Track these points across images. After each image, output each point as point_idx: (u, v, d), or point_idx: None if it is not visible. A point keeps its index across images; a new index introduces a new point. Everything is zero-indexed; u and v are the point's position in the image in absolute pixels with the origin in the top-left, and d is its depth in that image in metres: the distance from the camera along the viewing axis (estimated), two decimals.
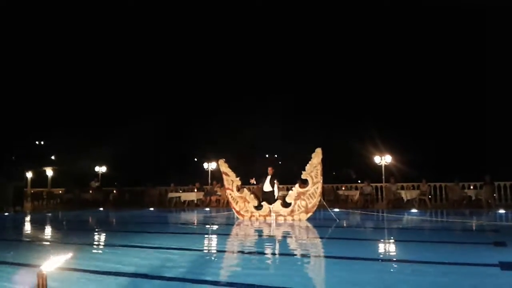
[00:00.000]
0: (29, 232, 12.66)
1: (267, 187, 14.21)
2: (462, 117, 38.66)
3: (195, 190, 22.04)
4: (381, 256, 7.40)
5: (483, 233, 10.57)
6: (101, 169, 26.96)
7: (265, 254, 7.76)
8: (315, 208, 13.27)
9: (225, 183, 14.78)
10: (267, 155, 50.15)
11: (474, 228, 11.88)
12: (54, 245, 8.95)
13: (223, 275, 5.96)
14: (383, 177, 20.88)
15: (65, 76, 40.79)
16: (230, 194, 14.51)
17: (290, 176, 18.13)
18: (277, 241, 9.60)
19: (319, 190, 13.18)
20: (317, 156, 13.12)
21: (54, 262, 3.25)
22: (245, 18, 43.77)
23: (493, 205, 16.98)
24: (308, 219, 13.06)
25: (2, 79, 36.30)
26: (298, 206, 13.22)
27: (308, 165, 13.16)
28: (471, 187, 18.96)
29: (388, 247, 8.44)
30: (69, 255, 4.61)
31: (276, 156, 49.77)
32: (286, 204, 13.47)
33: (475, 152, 35.71)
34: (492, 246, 7.83)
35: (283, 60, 46.50)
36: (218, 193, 21.30)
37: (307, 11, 43.32)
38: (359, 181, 25.92)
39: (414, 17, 39.34)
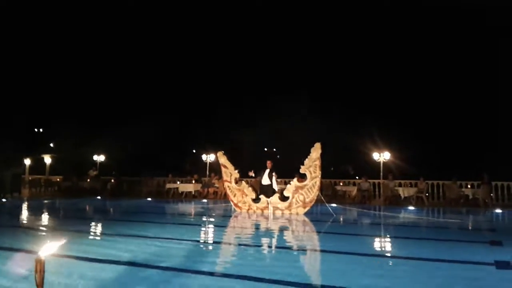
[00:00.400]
0: (26, 218, 12.67)
1: (265, 180, 14.22)
2: (462, 116, 38.63)
3: (193, 182, 22.07)
4: (377, 251, 7.43)
5: (480, 232, 10.61)
6: (99, 158, 26.94)
7: (261, 246, 7.79)
8: (312, 203, 13.30)
9: (224, 175, 14.78)
10: (265, 149, 50.17)
11: (470, 226, 11.93)
12: (51, 232, 8.96)
13: (219, 266, 5.99)
14: (381, 173, 20.90)
15: (65, 65, 40.66)
16: (228, 186, 14.52)
17: (288, 170, 18.11)
18: (273, 234, 9.63)
19: (317, 184, 13.21)
20: (316, 151, 13.12)
21: (51, 248, 3.26)
22: (244, 16, 43.61)
23: (490, 204, 17.02)
24: (305, 213, 13.09)
25: (2, 67, 36.21)
26: (296, 200, 13.25)
27: (307, 159, 13.17)
28: (469, 186, 18.98)
29: (383, 244, 8.48)
30: (65, 241, 4.61)
31: (274, 150, 49.78)
32: (284, 198, 13.49)
33: (474, 151, 35.72)
34: (488, 245, 7.86)
35: (282, 57, 46.39)
36: (216, 185, 21.33)
37: (306, 9, 43.14)
38: (357, 177, 25.94)
39: (415, 15, 39.16)
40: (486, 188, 17.47)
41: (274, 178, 14.15)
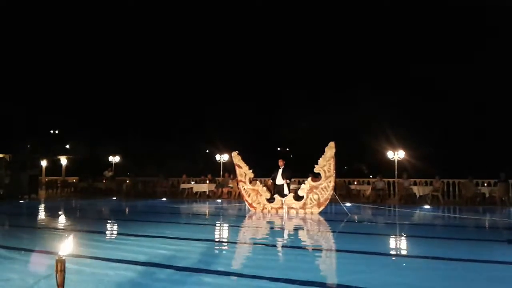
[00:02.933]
0: (44, 219, 12.84)
1: (279, 180, 14.23)
2: (478, 113, 38.24)
3: (207, 182, 22.14)
4: (392, 251, 7.40)
5: (497, 231, 10.47)
6: (114, 158, 27.18)
7: (276, 246, 7.80)
8: (327, 202, 13.26)
9: (238, 175, 14.81)
10: (278, 148, 50.18)
11: (487, 225, 11.78)
12: (68, 232, 9.08)
13: (234, 266, 6.02)
14: (396, 172, 20.77)
15: (80, 67, 41.12)
16: (243, 186, 14.55)
17: (302, 169, 18.09)
18: (289, 234, 9.64)
19: (332, 184, 13.17)
20: (330, 150, 13.09)
21: (70, 248, 3.31)
22: (254, 16, 43.70)
23: (507, 202, 16.81)
24: (320, 213, 13.06)
25: (17, 69, 36.73)
26: (311, 199, 13.23)
27: (321, 158, 13.14)
28: (485, 184, 18.75)
29: (399, 243, 8.43)
30: (83, 242, 4.67)
31: (288, 149, 49.77)
32: (298, 197, 13.48)
33: (490, 149, 35.30)
34: (506, 244, 7.78)
35: (294, 54, 46.44)
36: (230, 185, 21.38)
37: (307, 8, 43.13)
38: (371, 176, 25.82)
39: (421, 14, 38.96)
40: (503, 186, 17.23)
41: (285, 184, 14.13)
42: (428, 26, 40.08)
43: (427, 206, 16.04)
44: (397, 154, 21.12)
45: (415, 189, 18.86)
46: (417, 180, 20.20)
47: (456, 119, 39.22)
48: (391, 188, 20.77)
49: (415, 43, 41.20)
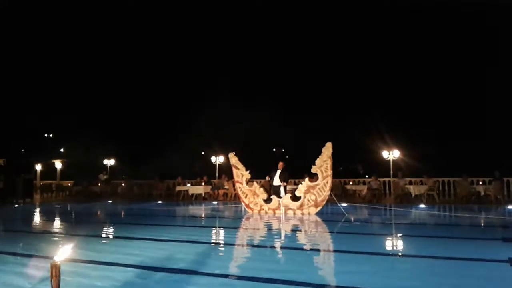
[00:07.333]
0: (39, 223, 12.77)
1: (276, 181, 14.23)
2: (472, 112, 38.39)
3: (203, 184, 22.08)
4: (389, 251, 7.41)
5: (492, 229, 10.50)
6: (109, 162, 27.08)
7: (274, 247, 7.78)
8: (324, 202, 13.25)
9: (235, 176, 14.76)
10: (274, 149, 50.19)
11: (482, 223, 11.83)
12: (64, 237, 9.03)
13: (231, 268, 6.00)
14: (391, 172, 20.80)
15: (74, 70, 41.00)
16: (240, 188, 14.51)
17: (299, 170, 18.10)
18: (286, 235, 9.62)
19: (329, 184, 13.15)
20: (327, 150, 13.08)
21: (65, 253, 3.29)
22: (255, 13, 43.68)
23: (502, 201, 16.86)
24: (318, 213, 13.05)
25: (12, 73, 36.56)
26: (308, 200, 13.21)
27: (318, 159, 13.13)
28: (480, 183, 18.79)
29: (395, 242, 8.43)
30: (78, 246, 4.64)
31: (283, 150, 49.77)
32: (295, 198, 13.46)
33: (485, 147, 35.41)
34: (501, 242, 7.80)
35: (292, 54, 46.49)
36: (226, 186, 21.34)
37: (309, 7, 43.20)
38: (367, 176, 25.84)
39: (419, 12, 39.03)
40: (498, 184, 17.29)
41: (282, 187, 14.13)
42: (427, 28, 40.26)
43: (422, 205, 16.07)
44: (392, 154, 21.15)
45: (410, 188, 18.88)
46: (413, 180, 20.24)
47: (452, 118, 39.38)
48: (387, 188, 20.79)
49: (414, 43, 41.34)
